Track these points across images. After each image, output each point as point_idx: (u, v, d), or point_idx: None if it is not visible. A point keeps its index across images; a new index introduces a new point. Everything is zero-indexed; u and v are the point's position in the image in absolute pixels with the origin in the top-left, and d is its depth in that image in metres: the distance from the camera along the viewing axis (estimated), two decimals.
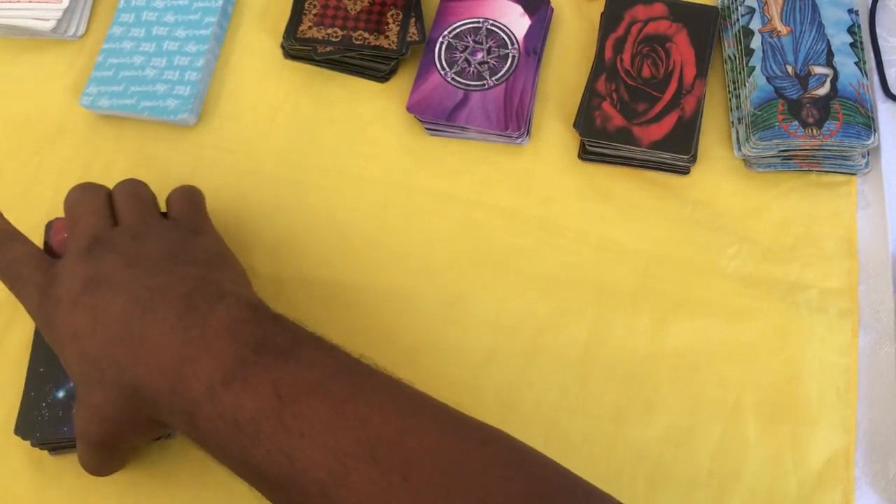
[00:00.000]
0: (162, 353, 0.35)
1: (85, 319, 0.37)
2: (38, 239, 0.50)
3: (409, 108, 0.51)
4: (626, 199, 0.50)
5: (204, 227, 0.45)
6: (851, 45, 0.49)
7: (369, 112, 0.54)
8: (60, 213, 0.51)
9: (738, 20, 0.51)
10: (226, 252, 0.43)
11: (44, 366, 0.45)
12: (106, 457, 0.40)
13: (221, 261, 0.42)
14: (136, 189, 0.44)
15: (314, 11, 0.54)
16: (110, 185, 0.52)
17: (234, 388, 0.34)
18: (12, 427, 0.45)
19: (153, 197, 0.45)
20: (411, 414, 0.34)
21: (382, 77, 0.54)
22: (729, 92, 0.52)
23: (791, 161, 0.49)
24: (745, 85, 0.50)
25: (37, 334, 0.46)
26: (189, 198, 0.46)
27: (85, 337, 0.37)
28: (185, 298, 0.37)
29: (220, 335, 0.35)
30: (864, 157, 0.49)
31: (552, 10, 0.54)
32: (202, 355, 0.35)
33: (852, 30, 0.50)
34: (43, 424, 0.44)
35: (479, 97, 0.51)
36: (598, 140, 0.49)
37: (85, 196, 0.43)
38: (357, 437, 0.32)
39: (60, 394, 0.44)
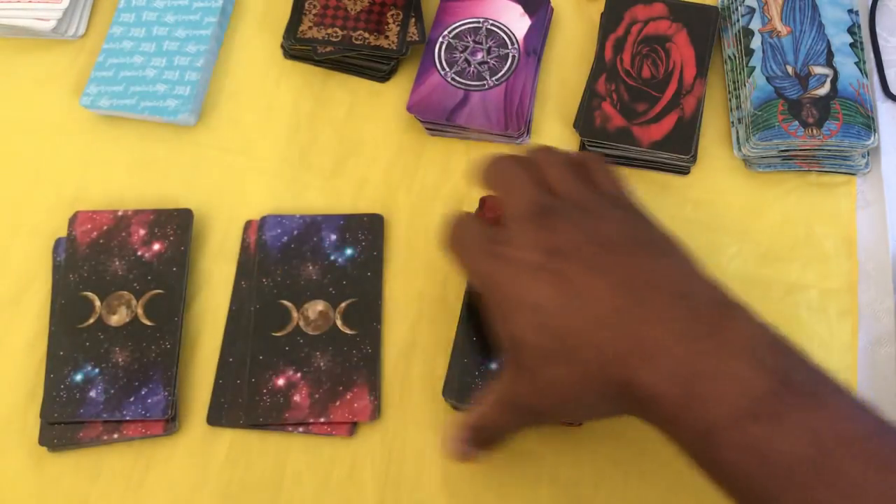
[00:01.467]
0: (670, 358, 0.32)
1: (550, 291, 0.35)
2: (42, 237, 0.50)
3: (410, 108, 0.51)
4: None
5: (640, 208, 0.40)
6: (851, 45, 0.49)
7: (369, 112, 0.54)
8: (61, 214, 0.51)
9: (738, 20, 0.51)
10: (678, 241, 0.38)
11: (63, 349, 0.46)
12: (519, 429, 0.39)
13: (685, 253, 0.38)
14: (570, 159, 0.41)
15: (314, 11, 0.54)
16: (111, 184, 0.52)
17: (765, 423, 0.30)
18: (13, 426, 0.46)
19: (587, 169, 0.41)
20: None
21: (382, 77, 0.54)
22: (729, 92, 0.52)
23: (791, 161, 0.49)
24: (745, 85, 0.50)
25: (53, 320, 0.47)
26: (616, 173, 0.41)
27: (550, 310, 0.35)
28: (684, 299, 0.34)
29: (739, 356, 0.32)
30: (863, 157, 0.49)
31: (552, 10, 0.54)
32: (721, 374, 0.32)
33: (852, 30, 0.50)
34: (61, 405, 0.45)
35: (479, 97, 0.51)
36: (597, 140, 0.49)
37: (515, 165, 0.40)
38: None
39: (78, 377, 0.45)
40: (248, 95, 0.55)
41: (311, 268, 0.47)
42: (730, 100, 0.51)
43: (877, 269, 0.47)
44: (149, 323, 0.46)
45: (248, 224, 0.50)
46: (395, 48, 0.52)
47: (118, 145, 0.54)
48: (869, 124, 0.47)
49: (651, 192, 0.50)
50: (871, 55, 0.52)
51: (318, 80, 0.55)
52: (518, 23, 0.53)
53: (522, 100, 0.51)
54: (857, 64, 0.49)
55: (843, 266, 0.47)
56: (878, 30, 0.53)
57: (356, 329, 0.46)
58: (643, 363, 0.33)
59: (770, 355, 0.32)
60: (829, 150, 0.48)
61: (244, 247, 0.49)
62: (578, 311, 0.34)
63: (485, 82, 0.51)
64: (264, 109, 0.54)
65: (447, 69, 0.52)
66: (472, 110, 0.51)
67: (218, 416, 0.45)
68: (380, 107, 0.54)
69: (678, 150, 0.48)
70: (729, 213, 0.49)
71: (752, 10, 0.51)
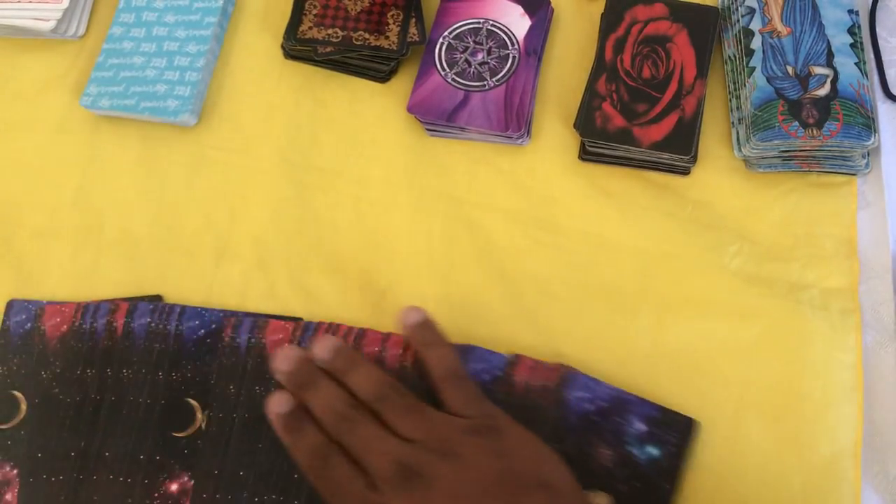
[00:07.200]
0: None
1: None
2: (42, 237, 0.50)
3: (410, 109, 0.51)
4: (626, 199, 0.50)
5: (504, 421, 0.39)
6: (851, 45, 0.49)
7: (369, 112, 0.54)
8: (61, 215, 0.51)
9: (738, 21, 0.51)
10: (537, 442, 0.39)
11: None
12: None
13: (557, 474, 0.38)
14: (408, 399, 0.40)
15: (314, 12, 0.54)
16: (111, 184, 0.52)
17: None
18: None
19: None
20: None
21: (383, 77, 0.54)
22: (729, 92, 0.52)
23: (791, 161, 0.49)
24: (745, 85, 0.50)
25: None
26: (463, 375, 0.41)
27: None
28: None
29: None
30: (864, 157, 0.49)
31: (552, 10, 0.54)
32: None
33: (852, 30, 0.50)
34: None
35: (480, 98, 0.51)
36: (598, 140, 0.49)
37: (363, 429, 0.39)
38: None
39: None
40: (248, 95, 0.55)
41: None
42: (730, 100, 0.51)
43: (877, 269, 0.47)
44: None
45: None
46: (395, 49, 0.52)
47: (118, 145, 0.54)
48: (869, 125, 0.47)
49: (651, 192, 0.50)
50: (872, 55, 0.52)
51: (318, 81, 0.55)
52: (518, 23, 0.53)
53: (523, 100, 0.51)
54: (857, 64, 0.49)
55: (844, 266, 0.47)
56: (878, 30, 0.53)
57: None
58: None
59: None
60: (829, 151, 0.48)
61: None
62: None
63: (485, 83, 0.51)
64: (264, 109, 0.54)
65: (447, 70, 0.52)
66: (472, 111, 0.51)
67: None
68: (380, 107, 0.54)
69: (678, 151, 0.48)
70: (729, 214, 0.49)
71: (752, 11, 0.51)
